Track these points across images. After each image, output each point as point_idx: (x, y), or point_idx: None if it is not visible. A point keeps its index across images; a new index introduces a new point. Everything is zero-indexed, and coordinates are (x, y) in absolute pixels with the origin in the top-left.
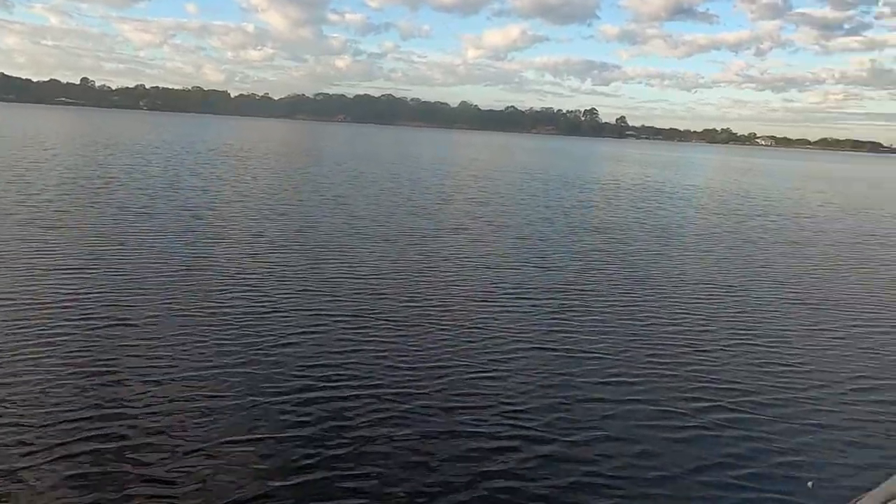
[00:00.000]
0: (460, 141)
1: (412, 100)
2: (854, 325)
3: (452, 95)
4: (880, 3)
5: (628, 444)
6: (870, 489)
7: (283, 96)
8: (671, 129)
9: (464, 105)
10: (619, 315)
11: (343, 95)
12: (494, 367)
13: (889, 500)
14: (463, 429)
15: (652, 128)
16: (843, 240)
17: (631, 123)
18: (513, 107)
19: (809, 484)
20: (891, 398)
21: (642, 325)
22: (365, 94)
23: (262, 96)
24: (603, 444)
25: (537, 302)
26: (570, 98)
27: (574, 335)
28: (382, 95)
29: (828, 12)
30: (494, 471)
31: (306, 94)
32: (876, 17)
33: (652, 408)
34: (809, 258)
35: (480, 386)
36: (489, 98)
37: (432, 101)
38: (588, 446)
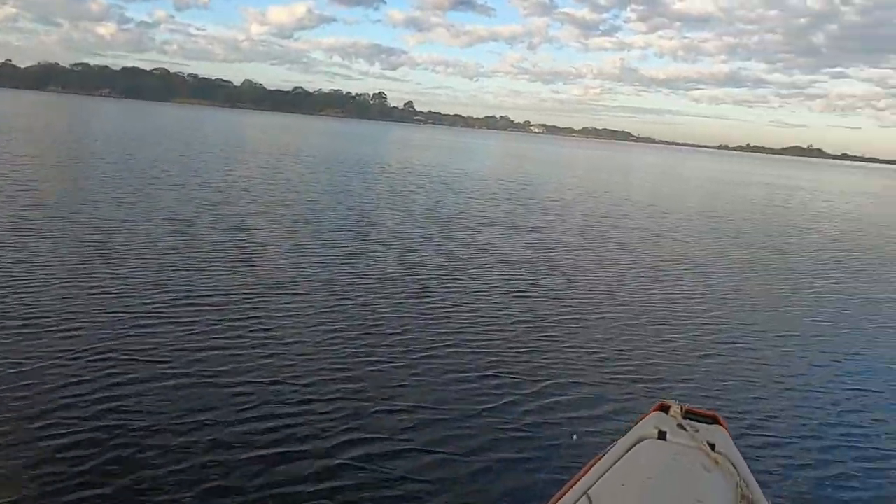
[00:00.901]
0: (244, 122)
1: (190, 76)
2: (587, 295)
3: (235, 73)
4: (628, 9)
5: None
6: (626, 431)
7: (31, 64)
8: (456, 115)
9: (248, 84)
10: (401, 299)
11: (107, 67)
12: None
13: (637, 442)
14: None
15: (438, 113)
16: (586, 220)
17: (418, 108)
18: (301, 87)
19: (574, 437)
20: (631, 357)
21: (423, 313)
22: (134, 67)
23: (2, 63)
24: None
25: (316, 290)
26: (360, 81)
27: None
28: (155, 69)
29: (587, 13)
30: None
31: (60, 64)
32: (625, 21)
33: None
34: (563, 239)
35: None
36: (275, 77)
37: (213, 77)
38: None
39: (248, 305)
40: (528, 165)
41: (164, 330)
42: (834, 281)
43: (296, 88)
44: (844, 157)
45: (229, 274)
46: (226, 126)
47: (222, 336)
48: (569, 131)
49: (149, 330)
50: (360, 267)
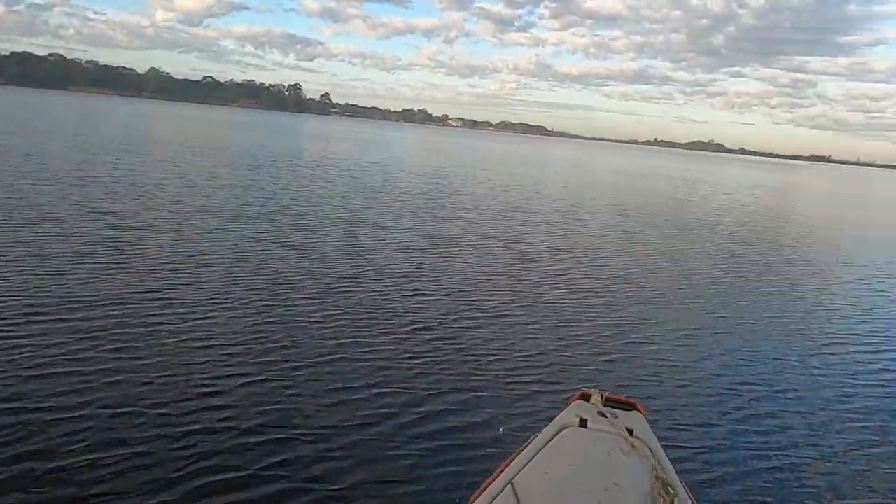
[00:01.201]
0: (147, 112)
1: (89, 62)
2: (501, 290)
3: (140, 61)
4: (542, 6)
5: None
6: (550, 421)
7: None
8: (373, 107)
9: (153, 72)
10: (294, 304)
11: None
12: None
13: (560, 431)
14: None
15: (355, 106)
16: (497, 214)
17: (335, 100)
18: (211, 77)
19: (500, 429)
20: (553, 349)
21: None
22: (25, 53)
23: None
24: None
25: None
26: (274, 72)
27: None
28: (50, 55)
29: (502, 9)
30: None
31: None
32: (539, 18)
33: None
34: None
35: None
36: (184, 66)
37: (115, 65)
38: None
39: (111, 312)
40: (442, 159)
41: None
42: (736, 271)
43: (205, 78)
44: (742, 151)
45: (97, 279)
46: (125, 116)
47: (71, 352)
48: (486, 125)
49: None
50: (248, 269)
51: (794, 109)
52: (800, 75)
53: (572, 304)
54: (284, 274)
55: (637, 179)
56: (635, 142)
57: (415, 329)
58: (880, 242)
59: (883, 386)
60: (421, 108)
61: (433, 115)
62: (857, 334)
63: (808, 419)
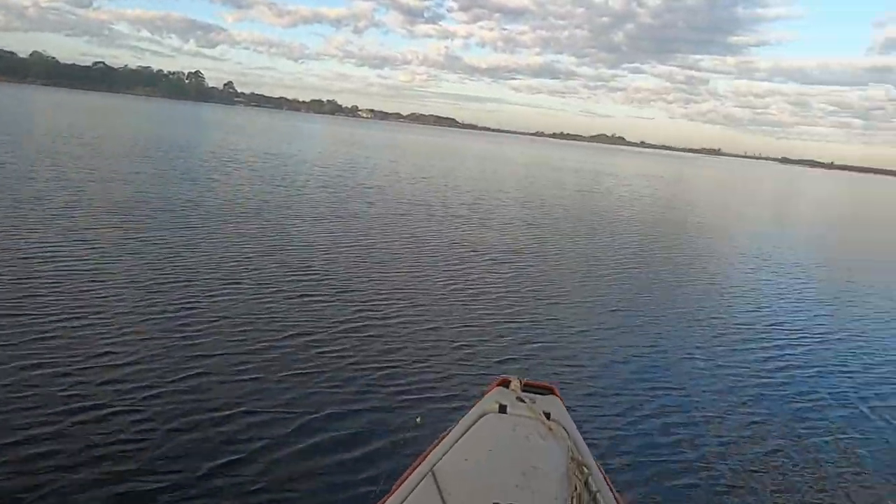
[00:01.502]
0: (27, 99)
1: None
2: (417, 282)
3: (22, 43)
4: None
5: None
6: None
7: None
8: (280, 97)
9: (37, 56)
10: (191, 304)
11: None
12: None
13: (480, 417)
14: None
15: (262, 96)
16: (405, 207)
17: (240, 90)
18: (103, 63)
19: (418, 419)
20: (474, 338)
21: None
22: None
23: None
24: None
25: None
26: (172, 59)
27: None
28: None
29: (411, 0)
30: None
31: None
32: (448, 10)
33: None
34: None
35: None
36: (72, 51)
37: None
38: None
39: None
40: (350, 150)
41: None
42: (642, 259)
43: (96, 63)
44: (643, 144)
45: None
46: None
47: None
48: (397, 116)
49: None
50: (117, 271)
51: (689, 105)
52: (693, 72)
53: (487, 295)
54: (168, 275)
55: (546, 172)
56: (542, 134)
57: (327, 325)
58: (769, 231)
59: (774, 369)
60: (330, 98)
61: (343, 105)
62: (752, 321)
63: (710, 401)
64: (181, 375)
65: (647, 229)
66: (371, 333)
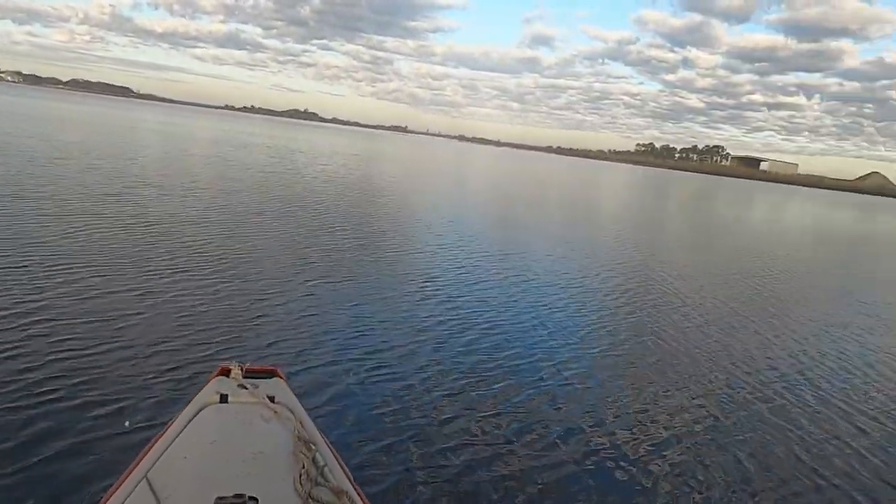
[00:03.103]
0: None
1: None
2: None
3: None
4: None
5: None
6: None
7: None
8: None
9: None
10: None
11: None
12: None
13: (199, 411)
14: None
15: None
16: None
17: None
18: None
19: (126, 424)
20: (186, 328)
21: None
22: None
23: None
24: None
25: None
26: None
27: None
28: None
29: None
30: None
31: None
32: None
33: None
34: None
35: None
36: None
37: None
38: None
39: None
40: None
41: None
42: (353, 236)
43: None
44: (335, 121)
45: None
46: None
47: None
48: (54, 82)
49: None
50: None
51: (376, 84)
52: (379, 53)
53: (191, 283)
54: None
55: (237, 150)
56: (232, 108)
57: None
58: (468, 201)
59: (475, 336)
60: None
61: None
62: (432, 281)
63: (426, 370)
64: None
65: (349, 207)
66: (53, 338)
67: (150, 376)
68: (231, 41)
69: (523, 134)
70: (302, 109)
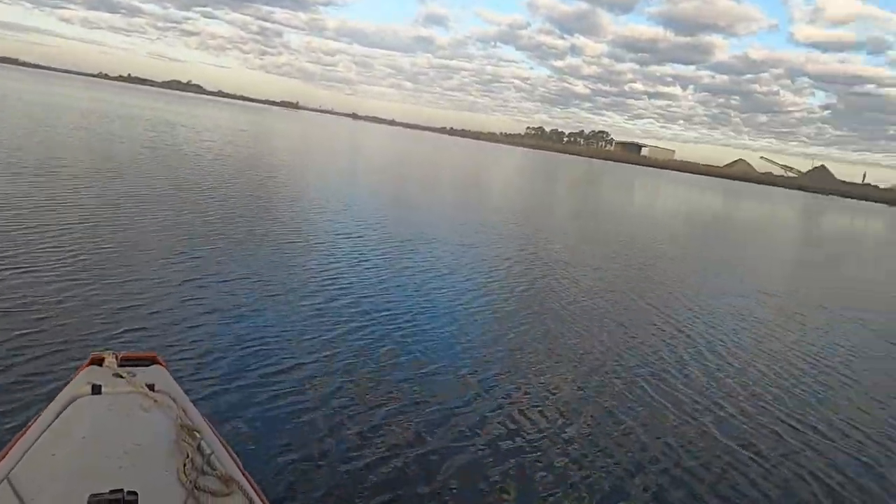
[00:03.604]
0: None
1: None
2: None
3: None
4: None
5: None
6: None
7: None
8: None
9: None
10: None
11: None
12: None
13: (69, 404)
14: None
15: None
16: None
17: None
18: None
19: None
20: (51, 317)
21: None
22: None
23: None
24: None
25: None
26: None
27: None
28: None
29: None
30: None
31: None
32: None
33: None
34: None
35: None
36: None
37: None
38: None
39: None
40: None
41: None
42: (233, 215)
43: None
44: (220, 94)
45: None
46: None
47: None
48: None
49: None
50: None
51: (265, 57)
52: (267, 24)
53: (61, 271)
54: None
55: (111, 122)
56: (106, 76)
57: None
58: (366, 179)
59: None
60: None
61: None
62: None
63: (313, 349)
64: None
65: (235, 188)
66: None
67: (8, 371)
68: (103, 3)
69: (417, 114)
70: (184, 81)
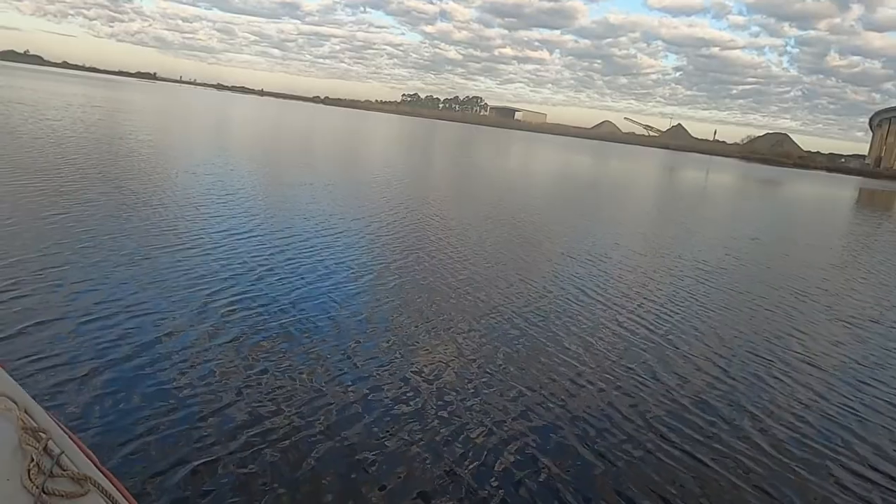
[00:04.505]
0: None
1: None
2: None
3: None
4: None
5: None
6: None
7: None
8: None
9: None
10: None
11: None
12: None
13: None
14: None
15: None
16: None
17: None
18: None
19: None
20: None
21: None
22: None
23: None
24: None
25: None
26: None
27: None
28: None
29: None
30: None
31: None
32: None
33: None
34: None
35: None
36: None
37: None
38: None
39: None
40: None
41: None
42: (96, 201)
43: None
44: (65, 65)
45: None
46: None
47: None
48: None
49: None
50: None
51: (115, 24)
52: None
53: None
54: None
55: None
56: None
57: None
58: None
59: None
60: None
61: None
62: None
63: (168, 331)
64: None
65: (87, 172)
66: None
67: None
68: None
69: (288, 83)
70: (21, 51)
